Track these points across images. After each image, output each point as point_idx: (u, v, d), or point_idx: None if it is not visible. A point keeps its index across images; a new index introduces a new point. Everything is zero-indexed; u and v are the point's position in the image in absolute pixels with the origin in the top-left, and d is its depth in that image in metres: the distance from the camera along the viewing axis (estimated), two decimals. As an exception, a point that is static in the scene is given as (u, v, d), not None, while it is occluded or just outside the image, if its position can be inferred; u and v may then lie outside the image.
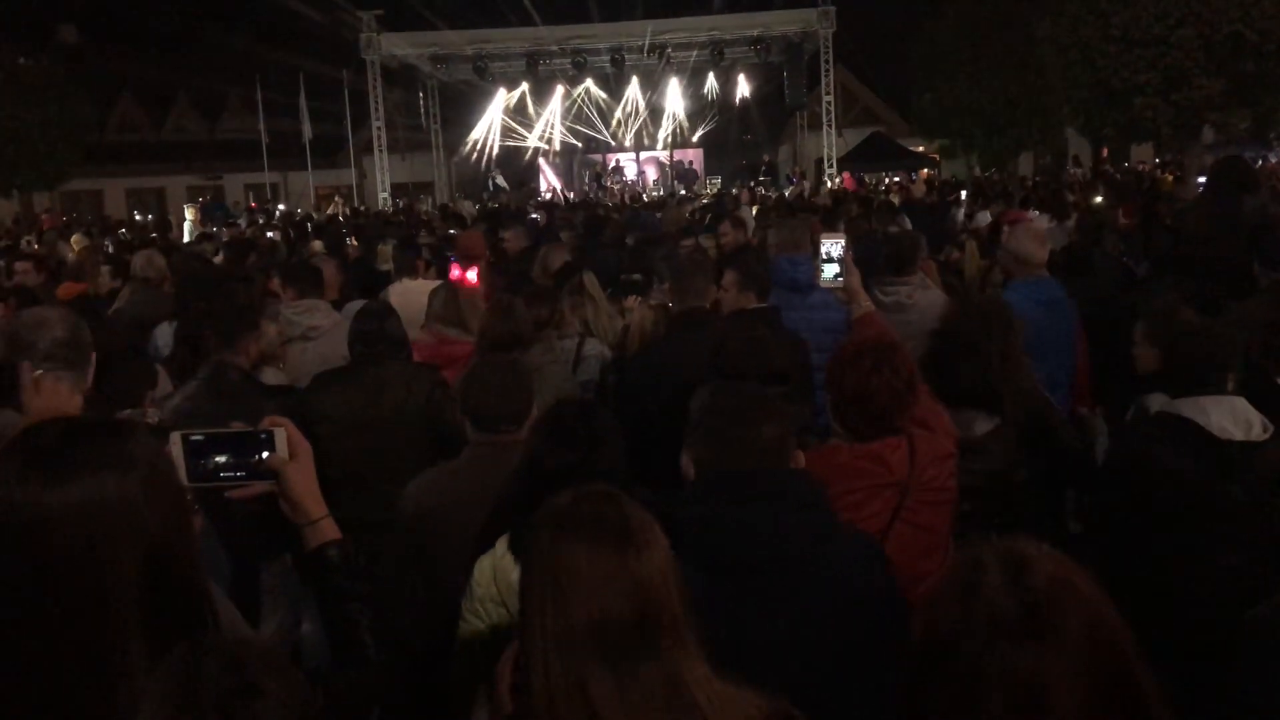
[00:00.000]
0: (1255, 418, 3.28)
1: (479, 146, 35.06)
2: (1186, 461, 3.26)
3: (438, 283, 6.25)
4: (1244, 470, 3.22)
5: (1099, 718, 1.41)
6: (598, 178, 36.11)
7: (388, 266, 9.21)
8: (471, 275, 5.68)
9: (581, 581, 1.64)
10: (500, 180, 33.37)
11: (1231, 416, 3.25)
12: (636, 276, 7.38)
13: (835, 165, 31.13)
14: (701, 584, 2.04)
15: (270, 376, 4.85)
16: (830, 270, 4.01)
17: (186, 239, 13.44)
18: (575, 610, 1.63)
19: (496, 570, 2.57)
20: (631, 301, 6.08)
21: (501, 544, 2.61)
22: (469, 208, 21.89)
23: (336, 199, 32.26)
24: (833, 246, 4.04)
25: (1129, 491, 3.44)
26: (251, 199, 36.22)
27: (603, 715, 1.59)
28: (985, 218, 12.19)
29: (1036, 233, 5.77)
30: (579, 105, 36.11)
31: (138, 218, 30.80)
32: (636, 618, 1.63)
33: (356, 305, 5.72)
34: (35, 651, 1.51)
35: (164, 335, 6.36)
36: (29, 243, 15.66)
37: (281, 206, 31.74)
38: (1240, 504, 3.24)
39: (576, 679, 1.60)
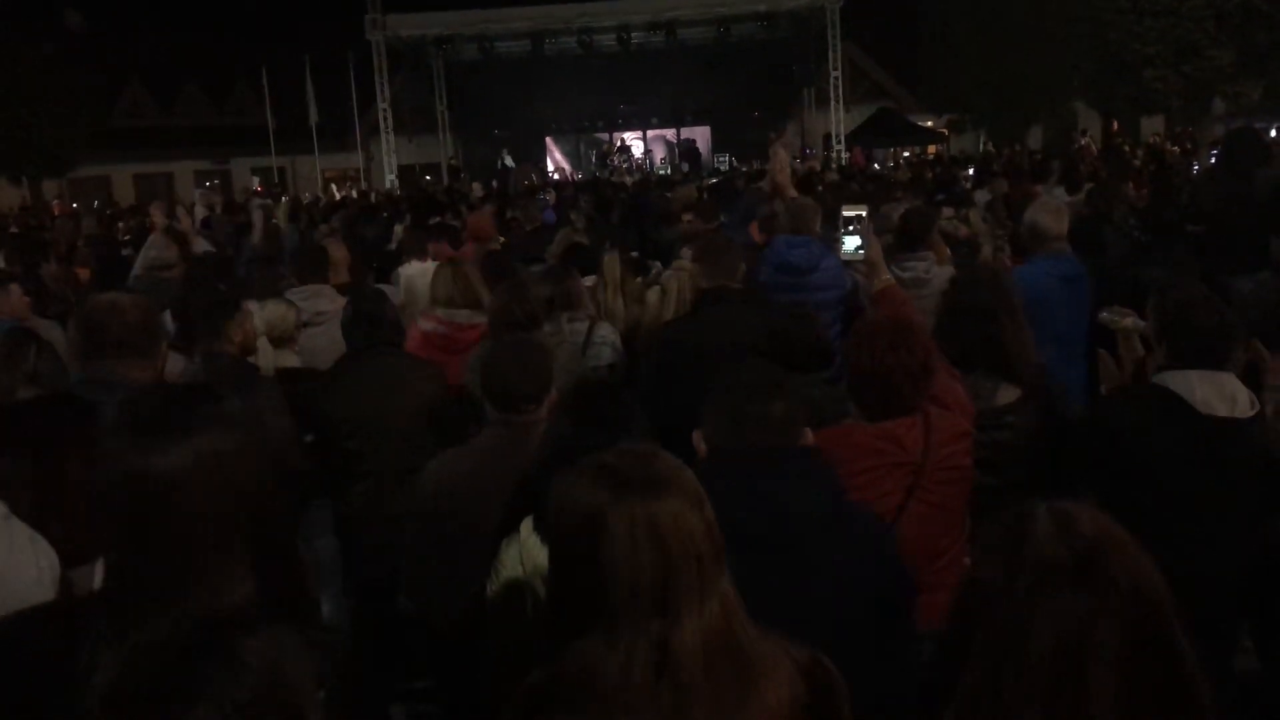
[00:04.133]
0: (1243, 394, 3.24)
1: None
2: (1162, 432, 3.24)
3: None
4: (1222, 446, 3.20)
5: (1138, 666, 1.46)
6: (604, 156, 36.02)
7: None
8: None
9: (613, 529, 1.61)
10: (509, 159, 33.33)
11: (1217, 391, 3.22)
12: (634, 255, 7.38)
13: (844, 141, 30.99)
14: None
15: (286, 359, 4.87)
16: (851, 243, 3.88)
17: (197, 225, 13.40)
18: (607, 560, 1.60)
19: (522, 552, 2.58)
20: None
21: (526, 526, 2.62)
22: (478, 189, 21.83)
23: (333, 186, 32.00)
24: (855, 218, 3.91)
25: (1103, 460, 3.42)
26: (258, 183, 36.20)
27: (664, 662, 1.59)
28: (985, 196, 12.09)
29: (1054, 207, 5.72)
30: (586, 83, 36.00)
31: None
32: (676, 558, 1.61)
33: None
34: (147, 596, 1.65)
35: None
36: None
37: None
38: (1212, 478, 3.23)
39: (614, 634, 1.59)
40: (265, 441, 1.89)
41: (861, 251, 3.87)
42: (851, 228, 3.90)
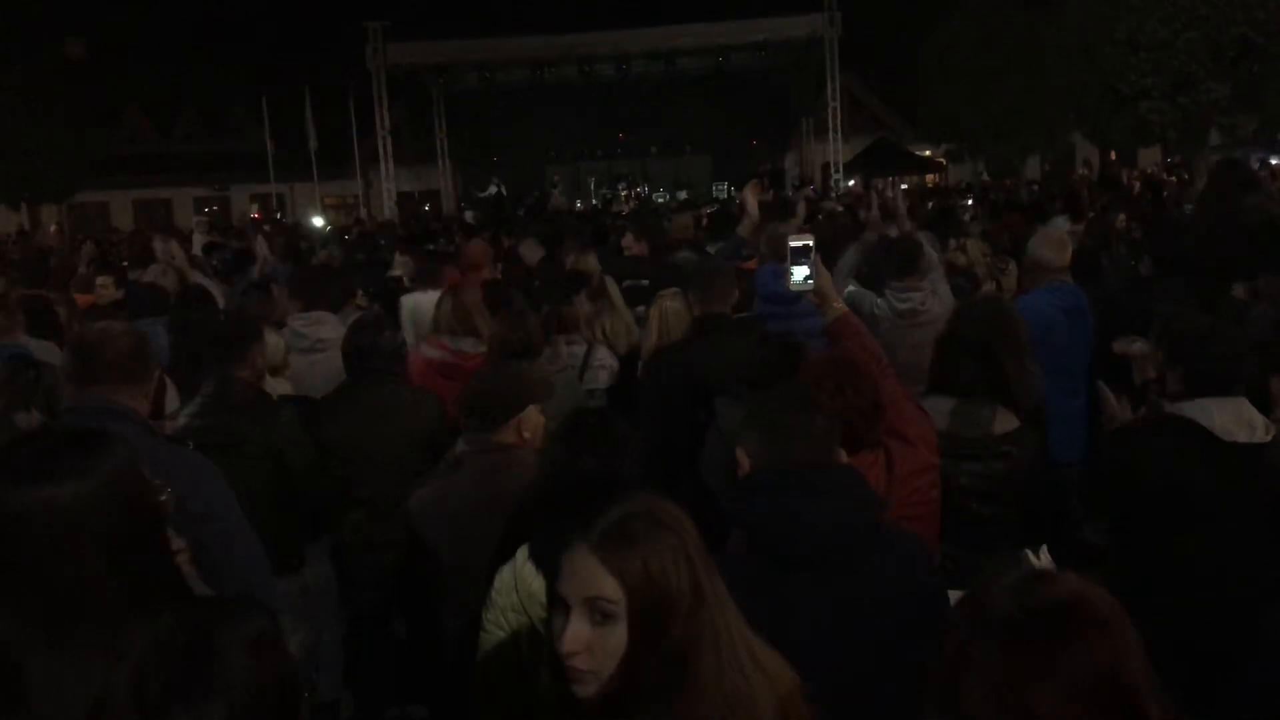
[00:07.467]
0: (1258, 419, 3.29)
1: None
2: (1188, 461, 3.27)
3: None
4: (1245, 471, 3.23)
5: None
6: (603, 185, 36.15)
7: (399, 273, 9.28)
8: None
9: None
10: (500, 188, 33.41)
11: (1235, 417, 3.26)
12: (644, 283, 7.39)
13: (842, 171, 31.10)
14: (761, 574, 2.11)
15: (278, 387, 4.85)
16: (800, 272, 3.67)
17: (196, 252, 13.42)
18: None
19: (517, 579, 2.59)
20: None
21: (522, 553, 2.62)
22: (471, 216, 21.92)
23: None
24: (800, 247, 3.70)
25: (1129, 491, 3.44)
26: (256, 210, 36.21)
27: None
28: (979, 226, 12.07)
29: (1055, 239, 5.72)
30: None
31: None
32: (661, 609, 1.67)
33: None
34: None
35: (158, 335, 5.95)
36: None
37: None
38: (1240, 504, 3.26)
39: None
40: (137, 486, 1.96)
41: (811, 281, 3.73)
42: (795, 255, 3.75)
